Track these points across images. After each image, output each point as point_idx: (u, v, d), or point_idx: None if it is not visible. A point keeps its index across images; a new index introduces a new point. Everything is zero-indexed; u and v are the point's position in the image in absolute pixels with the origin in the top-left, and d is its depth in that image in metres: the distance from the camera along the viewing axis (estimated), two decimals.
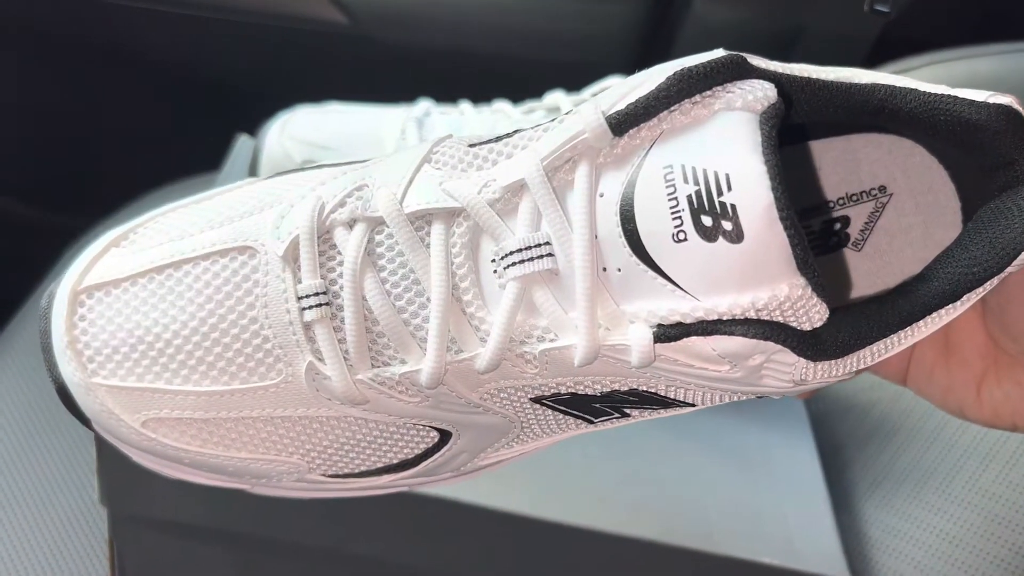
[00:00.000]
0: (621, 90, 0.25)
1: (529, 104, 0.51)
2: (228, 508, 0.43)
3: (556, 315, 0.25)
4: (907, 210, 0.29)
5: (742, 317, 0.23)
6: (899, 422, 0.55)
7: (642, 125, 0.24)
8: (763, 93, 0.24)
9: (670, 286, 0.24)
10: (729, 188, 0.23)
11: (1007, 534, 0.48)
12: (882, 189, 0.29)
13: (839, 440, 0.57)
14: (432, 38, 0.74)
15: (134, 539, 0.46)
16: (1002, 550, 0.48)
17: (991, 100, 0.24)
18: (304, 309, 0.28)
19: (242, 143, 0.60)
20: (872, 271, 0.30)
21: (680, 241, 0.23)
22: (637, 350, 0.24)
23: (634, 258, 0.24)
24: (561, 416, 0.29)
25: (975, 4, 0.75)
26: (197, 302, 0.28)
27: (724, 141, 0.23)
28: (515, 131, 0.28)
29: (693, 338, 0.24)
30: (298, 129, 0.51)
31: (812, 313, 0.23)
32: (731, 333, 0.23)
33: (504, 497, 0.42)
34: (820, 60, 0.71)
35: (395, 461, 0.31)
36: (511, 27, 0.74)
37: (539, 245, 0.25)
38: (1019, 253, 0.24)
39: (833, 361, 0.25)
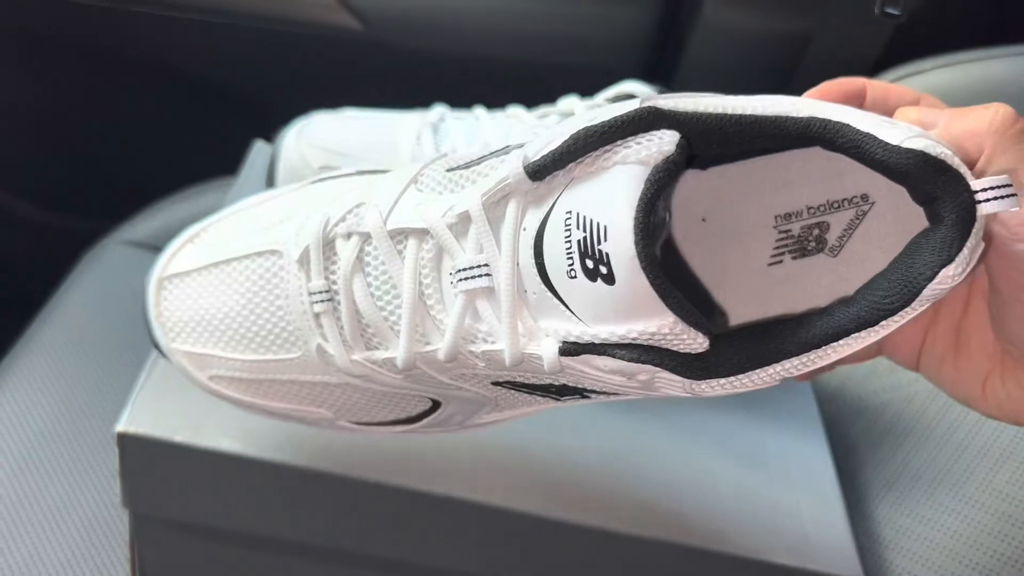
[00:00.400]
0: (545, 138, 0.29)
1: (543, 109, 0.52)
2: (248, 511, 0.44)
3: (492, 323, 0.31)
4: (886, 219, 0.31)
5: (624, 342, 0.28)
6: (912, 423, 0.55)
7: (557, 172, 0.28)
8: (659, 148, 0.26)
9: (568, 312, 0.28)
10: (605, 239, 0.27)
11: (1020, 535, 0.48)
12: (864, 197, 0.31)
13: (852, 441, 0.57)
14: (445, 43, 0.74)
15: (155, 541, 0.47)
16: (1016, 551, 0.48)
17: (905, 144, 0.25)
18: (313, 303, 0.35)
19: (259, 148, 0.61)
20: (845, 277, 0.32)
21: (572, 277, 0.28)
22: (547, 360, 0.29)
23: (543, 286, 0.29)
24: (525, 395, 0.34)
25: (989, 6, 0.75)
26: (240, 291, 0.36)
27: (609, 195, 0.27)
28: (485, 156, 0.32)
29: (588, 355, 0.29)
30: (315, 135, 0.52)
31: (691, 341, 0.27)
32: (614, 355, 0.28)
33: (517, 497, 0.43)
34: (831, 62, 0.72)
35: (401, 416, 0.38)
36: (524, 32, 0.75)
37: (479, 266, 0.30)
38: (921, 291, 0.26)
39: (725, 379, 0.28)
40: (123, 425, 0.41)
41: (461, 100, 0.56)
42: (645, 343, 0.27)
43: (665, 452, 0.48)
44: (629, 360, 0.28)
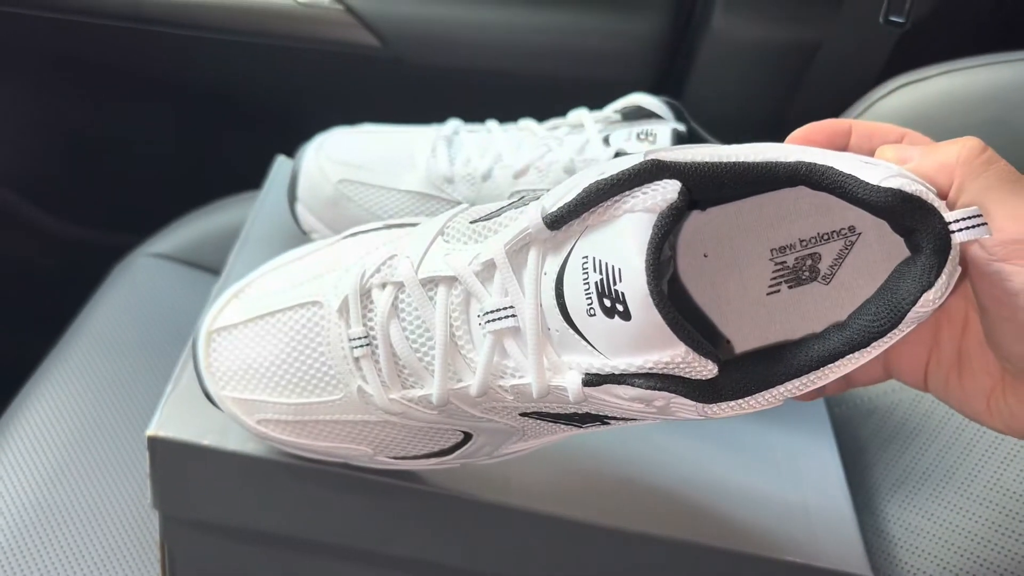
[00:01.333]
0: (560, 191, 0.32)
1: (554, 121, 0.53)
2: (275, 512, 0.45)
3: (519, 359, 0.33)
4: (872, 248, 0.33)
5: (642, 372, 0.30)
6: (920, 423, 0.56)
7: (572, 222, 0.31)
8: (663, 196, 0.29)
9: (589, 347, 0.31)
10: (620, 280, 0.29)
11: None
12: (851, 229, 0.33)
13: (862, 442, 0.58)
14: (459, 59, 0.76)
15: (184, 541, 0.48)
16: (1019, 546, 0.49)
17: (884, 183, 0.28)
18: (353, 348, 0.38)
19: (280, 163, 0.63)
20: (838, 303, 0.34)
21: (591, 315, 0.30)
22: (571, 392, 0.32)
23: (565, 324, 0.31)
24: (550, 424, 0.37)
25: (993, 13, 0.76)
26: (284, 340, 0.39)
27: (621, 240, 0.30)
28: (504, 208, 0.35)
29: (609, 385, 0.31)
30: (333, 150, 0.53)
31: (701, 368, 0.30)
32: (633, 384, 0.31)
33: (535, 498, 0.44)
34: (838, 70, 0.73)
35: (435, 450, 0.40)
36: (536, 47, 0.76)
37: (505, 308, 0.33)
38: (905, 314, 0.29)
39: (733, 402, 0.31)
40: (153, 429, 0.43)
41: (475, 113, 0.58)
42: (660, 372, 0.30)
43: (677, 454, 0.49)
44: (647, 388, 0.30)
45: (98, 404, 0.61)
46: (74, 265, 0.85)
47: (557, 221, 0.31)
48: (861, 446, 0.58)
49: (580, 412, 0.34)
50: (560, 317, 0.32)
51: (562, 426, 0.37)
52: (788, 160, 0.30)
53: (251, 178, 0.68)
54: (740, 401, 0.31)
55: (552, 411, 0.35)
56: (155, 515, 0.48)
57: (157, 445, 0.43)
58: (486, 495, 0.44)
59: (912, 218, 0.28)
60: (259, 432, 0.41)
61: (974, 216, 0.28)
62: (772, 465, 0.50)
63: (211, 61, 0.78)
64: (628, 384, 0.31)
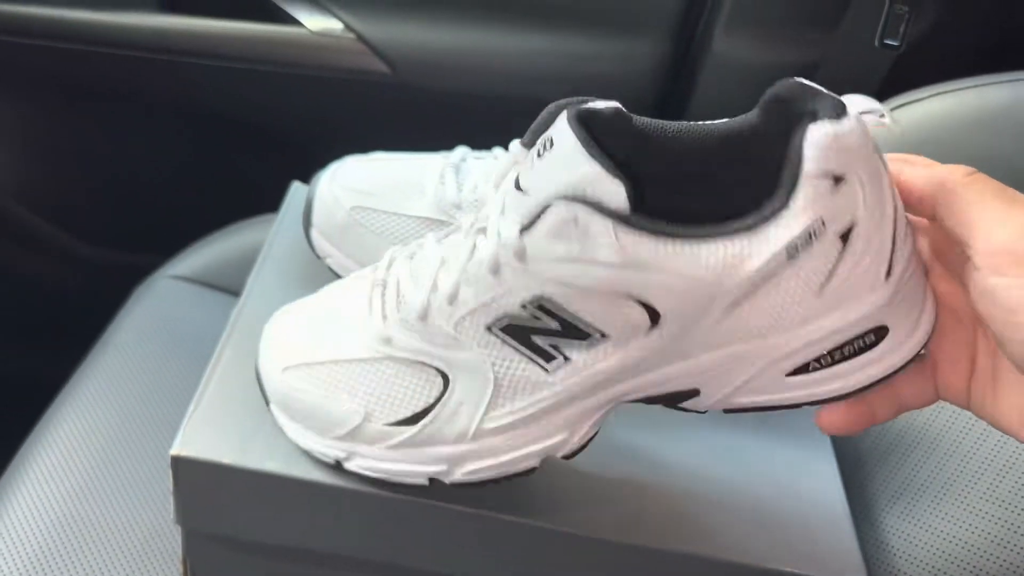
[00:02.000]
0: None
1: None
2: (294, 527, 0.46)
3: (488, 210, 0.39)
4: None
5: (562, 195, 0.35)
6: (918, 435, 0.57)
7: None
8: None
9: (525, 196, 0.36)
10: (554, 134, 0.35)
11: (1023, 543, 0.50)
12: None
13: (861, 454, 0.59)
14: (467, 84, 0.78)
15: (206, 556, 0.49)
16: (1019, 558, 0.49)
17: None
18: (373, 292, 0.43)
19: (296, 189, 0.65)
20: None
21: (531, 168, 0.36)
22: (509, 235, 0.37)
23: (515, 189, 0.37)
24: (514, 352, 0.39)
25: (988, 34, 0.77)
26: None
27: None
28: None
29: (536, 225, 0.36)
30: (346, 178, 0.55)
31: (614, 191, 0.34)
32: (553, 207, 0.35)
33: (539, 513, 0.45)
34: (835, 91, 0.74)
35: (420, 408, 0.42)
36: (542, 71, 0.78)
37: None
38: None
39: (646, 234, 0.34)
40: (176, 449, 0.44)
41: (483, 136, 0.60)
42: (576, 195, 0.34)
43: (675, 465, 0.50)
44: (567, 204, 0.35)
45: (122, 423, 0.63)
46: (97, 286, 0.87)
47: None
48: (860, 457, 0.59)
49: (530, 301, 0.37)
50: (515, 191, 0.37)
51: (525, 359, 0.39)
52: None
53: (267, 200, 0.70)
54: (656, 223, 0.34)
55: (510, 312, 0.38)
56: (178, 531, 0.49)
57: (180, 464, 0.44)
58: (496, 510, 0.45)
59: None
60: (284, 387, 0.44)
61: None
62: (771, 476, 0.51)
63: (229, 88, 0.80)
64: (550, 209, 0.35)
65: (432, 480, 0.42)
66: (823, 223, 0.35)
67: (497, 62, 0.77)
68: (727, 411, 0.40)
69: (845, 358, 0.38)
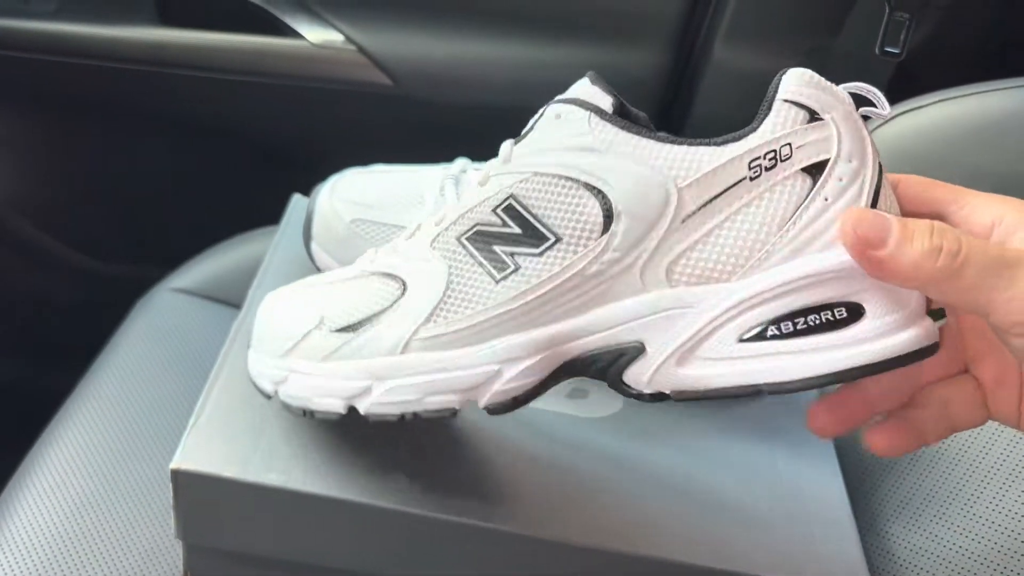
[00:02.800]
0: None
1: None
2: (294, 540, 0.46)
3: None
4: None
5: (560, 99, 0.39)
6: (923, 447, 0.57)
7: None
8: None
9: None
10: None
11: None
12: None
13: (867, 465, 0.59)
14: (468, 95, 0.78)
15: (208, 570, 0.49)
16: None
17: None
18: None
19: (296, 201, 0.65)
20: None
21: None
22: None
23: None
24: (472, 260, 0.40)
25: (988, 41, 0.77)
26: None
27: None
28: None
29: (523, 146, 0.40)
30: (346, 191, 0.55)
31: (601, 95, 0.38)
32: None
33: (537, 523, 0.45)
34: None
35: (368, 314, 0.41)
36: (543, 82, 0.78)
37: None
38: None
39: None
40: (176, 462, 0.44)
41: (484, 147, 0.60)
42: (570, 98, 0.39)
43: (679, 477, 0.50)
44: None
45: (124, 437, 0.63)
46: (98, 299, 0.87)
47: None
48: (865, 467, 0.58)
49: (502, 203, 0.39)
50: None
51: (482, 267, 0.39)
52: None
53: (268, 212, 0.70)
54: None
55: (482, 224, 0.39)
56: (179, 545, 0.49)
57: (180, 477, 0.44)
58: (495, 522, 0.45)
59: None
60: (262, 316, 0.45)
61: None
62: (776, 489, 0.51)
63: (229, 101, 0.81)
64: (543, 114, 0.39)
65: (350, 409, 0.41)
66: (791, 148, 0.35)
67: (498, 74, 0.77)
68: (679, 397, 0.38)
69: (809, 330, 0.36)
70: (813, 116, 0.35)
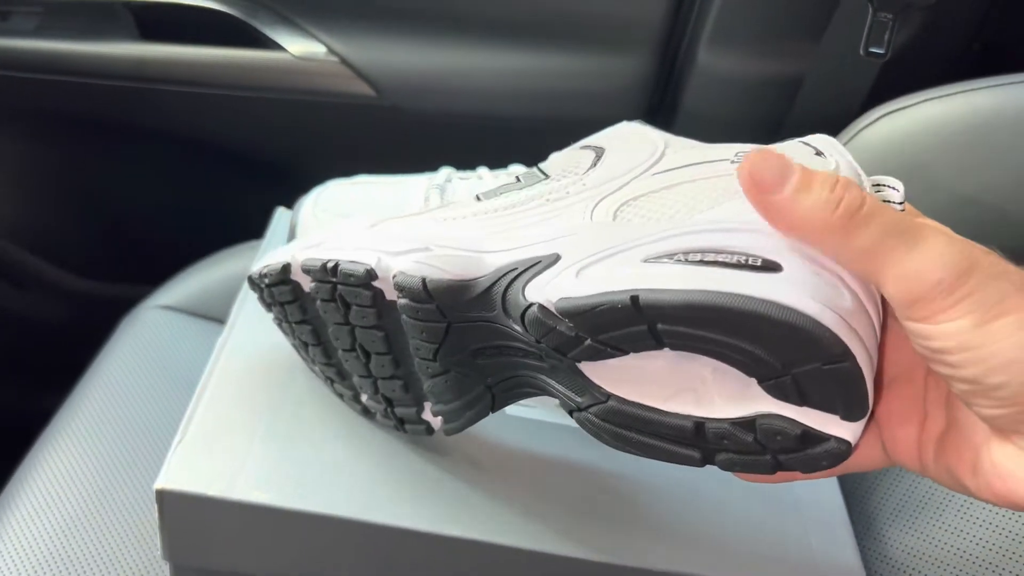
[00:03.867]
0: None
1: (541, 164, 0.54)
2: (281, 558, 0.46)
3: None
4: None
5: None
6: None
7: None
8: None
9: None
10: None
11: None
12: None
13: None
14: (452, 104, 0.78)
15: None
16: (1020, 567, 0.49)
17: None
18: None
19: (280, 214, 0.64)
20: None
21: None
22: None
23: None
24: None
25: (973, 40, 0.77)
26: None
27: None
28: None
29: None
30: (329, 202, 0.55)
31: None
32: None
33: (534, 537, 0.45)
34: (823, 102, 0.74)
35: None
36: (526, 90, 0.78)
37: None
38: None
39: None
40: (161, 482, 0.43)
41: (470, 156, 0.59)
42: None
43: (673, 484, 0.50)
44: None
45: (109, 456, 0.62)
46: (83, 318, 0.86)
47: None
48: (860, 474, 0.58)
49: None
50: None
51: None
52: None
53: (253, 226, 0.70)
54: None
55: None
56: (167, 566, 0.48)
57: (165, 497, 0.44)
58: (487, 536, 0.44)
59: None
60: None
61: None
62: (771, 494, 0.51)
63: (212, 115, 0.80)
64: None
65: (369, 272, 0.40)
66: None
67: (482, 83, 0.77)
68: (562, 306, 0.34)
69: (714, 264, 0.32)
70: (818, 153, 0.35)
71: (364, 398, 0.47)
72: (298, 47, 0.75)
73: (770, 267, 0.31)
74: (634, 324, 0.32)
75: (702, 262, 0.32)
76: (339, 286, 0.41)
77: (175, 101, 0.79)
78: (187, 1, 0.74)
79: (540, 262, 0.37)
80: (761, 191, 0.30)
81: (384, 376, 0.44)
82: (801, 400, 0.31)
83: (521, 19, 0.75)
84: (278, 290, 0.45)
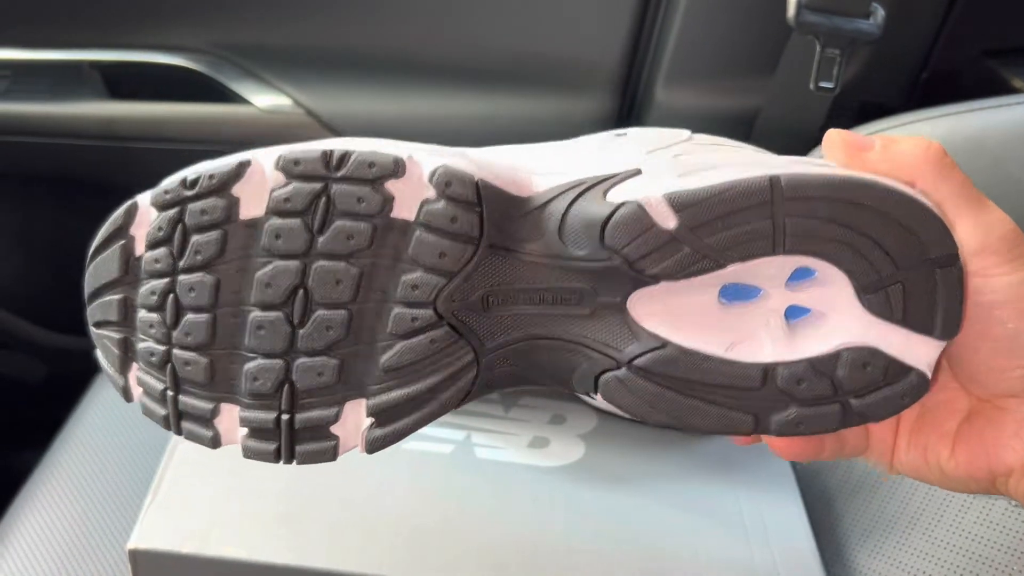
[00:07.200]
0: None
1: None
2: None
3: None
4: None
5: None
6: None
7: None
8: None
9: None
10: None
11: (988, 573, 0.50)
12: None
13: (830, 493, 0.59)
14: None
15: None
16: None
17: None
18: None
19: None
20: None
21: None
22: None
23: None
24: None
25: (918, 71, 0.79)
26: None
27: None
28: None
29: None
30: None
31: None
32: None
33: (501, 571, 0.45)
34: (779, 134, 0.76)
35: None
36: (489, 133, 0.79)
37: None
38: None
39: None
40: (133, 542, 0.44)
41: None
42: None
43: (639, 520, 0.50)
44: None
45: (86, 515, 0.62)
46: (59, 373, 0.87)
47: None
48: (829, 497, 0.59)
49: None
50: None
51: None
52: None
53: None
54: None
55: None
56: None
57: (139, 557, 0.44)
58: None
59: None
60: None
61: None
62: (739, 528, 0.51)
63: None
64: None
65: (397, 162, 0.32)
66: None
67: (445, 127, 0.79)
68: (678, 199, 0.31)
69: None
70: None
71: (237, 410, 0.34)
72: (264, 100, 0.77)
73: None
74: (759, 217, 0.30)
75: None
76: (336, 185, 0.31)
77: (145, 157, 0.80)
78: (153, 59, 0.75)
79: (617, 176, 0.32)
80: (858, 149, 0.32)
81: (315, 350, 0.32)
82: (903, 315, 0.31)
83: (481, 65, 0.76)
84: (206, 204, 0.33)
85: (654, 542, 0.49)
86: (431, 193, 0.31)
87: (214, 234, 0.32)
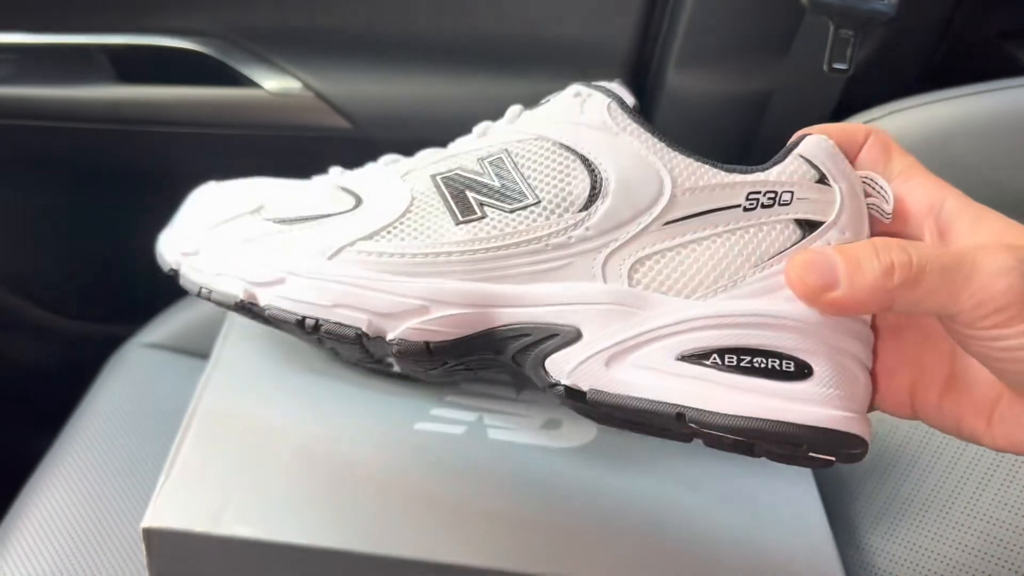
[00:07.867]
0: None
1: None
2: None
3: None
4: None
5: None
6: (898, 452, 0.57)
7: None
8: None
9: None
10: None
11: (1006, 555, 0.50)
12: None
13: (842, 476, 0.59)
14: (426, 134, 0.78)
15: None
16: (1001, 570, 0.50)
17: None
18: None
19: None
20: None
21: None
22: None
23: None
24: (439, 198, 0.41)
25: (934, 53, 0.79)
26: None
27: None
28: None
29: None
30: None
31: (624, 91, 0.40)
32: None
33: (516, 559, 0.45)
34: (791, 117, 0.75)
35: (325, 212, 0.42)
36: (499, 116, 0.79)
37: None
38: None
39: None
40: (147, 521, 0.44)
41: None
42: (593, 86, 0.40)
43: (652, 501, 0.50)
44: None
45: (99, 496, 0.63)
46: (71, 359, 0.87)
47: None
48: (841, 479, 0.59)
49: (485, 170, 0.39)
50: None
51: (447, 207, 0.39)
52: None
53: None
54: None
55: (461, 169, 0.40)
56: None
57: (152, 536, 0.44)
58: (473, 560, 0.45)
59: None
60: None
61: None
62: (752, 508, 0.51)
63: (191, 153, 0.81)
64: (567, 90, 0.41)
65: (245, 304, 0.42)
66: (792, 196, 0.36)
67: (455, 110, 0.78)
68: (595, 399, 0.37)
69: (751, 371, 0.35)
70: (823, 179, 0.36)
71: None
72: (273, 83, 0.76)
73: (802, 370, 0.34)
74: (672, 429, 0.36)
75: (739, 367, 0.35)
76: (325, 339, 0.42)
77: (154, 141, 0.80)
78: (162, 43, 0.75)
79: (558, 335, 0.37)
80: (819, 294, 0.32)
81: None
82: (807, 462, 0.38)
83: (491, 47, 0.76)
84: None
85: (666, 523, 0.49)
86: (395, 352, 0.41)
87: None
